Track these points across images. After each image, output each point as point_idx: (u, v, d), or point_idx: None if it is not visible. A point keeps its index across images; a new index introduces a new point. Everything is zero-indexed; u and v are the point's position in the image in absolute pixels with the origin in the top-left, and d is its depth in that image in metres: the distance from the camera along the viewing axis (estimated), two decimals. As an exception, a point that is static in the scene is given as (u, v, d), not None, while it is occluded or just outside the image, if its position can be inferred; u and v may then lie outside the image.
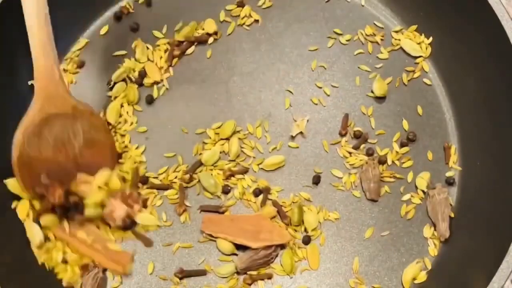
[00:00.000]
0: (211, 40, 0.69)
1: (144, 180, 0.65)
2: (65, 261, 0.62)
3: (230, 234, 0.63)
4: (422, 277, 0.62)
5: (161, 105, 0.68)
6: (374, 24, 0.70)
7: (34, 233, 0.61)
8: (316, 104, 0.68)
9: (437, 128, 0.67)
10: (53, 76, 0.60)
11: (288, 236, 0.63)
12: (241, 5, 0.70)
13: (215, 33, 0.69)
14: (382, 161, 0.65)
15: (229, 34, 0.70)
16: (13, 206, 0.62)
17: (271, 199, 0.65)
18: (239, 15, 0.70)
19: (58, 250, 0.62)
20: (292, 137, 0.66)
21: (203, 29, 0.69)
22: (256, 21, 0.70)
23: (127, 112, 0.67)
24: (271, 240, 0.62)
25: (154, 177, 0.65)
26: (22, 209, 0.62)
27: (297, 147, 0.66)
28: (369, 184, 0.64)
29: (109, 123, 0.66)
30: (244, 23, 0.70)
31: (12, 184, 0.62)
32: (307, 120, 0.67)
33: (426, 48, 0.69)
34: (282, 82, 0.68)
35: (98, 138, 0.62)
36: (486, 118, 0.64)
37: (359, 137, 0.66)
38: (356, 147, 0.66)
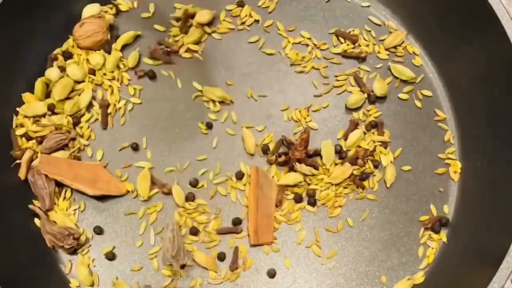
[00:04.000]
0: (211, 40, 0.69)
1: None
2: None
3: (67, 177, 0.63)
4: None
5: (161, 104, 0.68)
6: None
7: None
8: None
9: (437, 128, 0.67)
10: None
11: (124, 189, 0.63)
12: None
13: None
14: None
15: (229, 34, 0.70)
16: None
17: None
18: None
19: None
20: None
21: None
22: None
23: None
24: (107, 190, 0.63)
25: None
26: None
27: (297, 147, 0.67)
28: None
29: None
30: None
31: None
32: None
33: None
34: (282, 82, 0.68)
35: None
36: (486, 118, 0.64)
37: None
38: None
